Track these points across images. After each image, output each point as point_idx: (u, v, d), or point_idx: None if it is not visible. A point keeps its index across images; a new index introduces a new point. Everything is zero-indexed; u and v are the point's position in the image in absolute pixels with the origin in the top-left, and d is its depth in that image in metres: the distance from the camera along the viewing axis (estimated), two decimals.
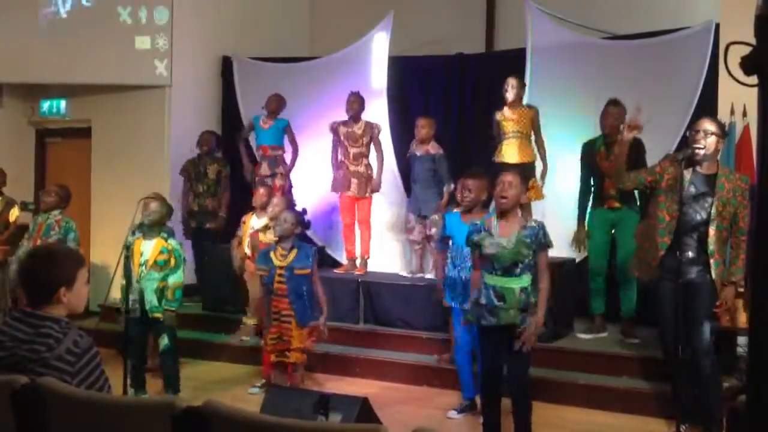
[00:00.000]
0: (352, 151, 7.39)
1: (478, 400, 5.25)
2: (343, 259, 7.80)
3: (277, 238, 5.45)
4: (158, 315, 5.58)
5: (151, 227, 5.65)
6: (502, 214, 4.44)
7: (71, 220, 6.87)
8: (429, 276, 7.08)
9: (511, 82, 6.73)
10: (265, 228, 6.34)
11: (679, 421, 4.53)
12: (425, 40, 8.57)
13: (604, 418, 5.37)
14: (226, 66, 8.98)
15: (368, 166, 7.43)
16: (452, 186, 6.78)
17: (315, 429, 2.47)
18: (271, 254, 5.36)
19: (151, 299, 5.55)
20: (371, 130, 7.41)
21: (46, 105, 9.13)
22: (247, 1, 9.15)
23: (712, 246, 4.54)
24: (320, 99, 8.23)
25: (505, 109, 6.76)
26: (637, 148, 6.14)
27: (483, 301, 4.38)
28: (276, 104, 7.81)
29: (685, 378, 4.58)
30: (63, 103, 9.06)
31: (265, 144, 7.81)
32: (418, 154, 7.16)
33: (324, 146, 7.74)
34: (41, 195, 7.02)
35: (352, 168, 7.39)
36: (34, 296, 2.73)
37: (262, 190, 6.88)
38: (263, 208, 6.59)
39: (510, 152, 6.72)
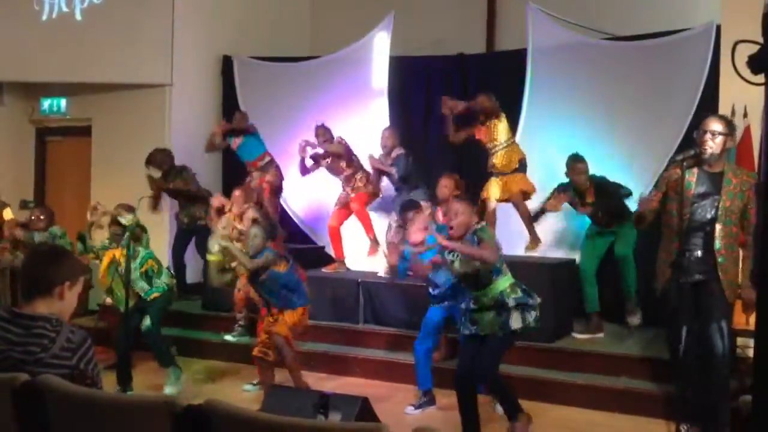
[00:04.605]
0: (341, 177, 7.49)
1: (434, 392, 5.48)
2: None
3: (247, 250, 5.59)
4: (156, 295, 5.85)
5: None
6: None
7: (56, 233, 6.97)
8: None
9: (480, 103, 6.66)
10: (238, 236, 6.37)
11: (679, 422, 4.52)
12: (426, 40, 8.57)
13: (602, 419, 5.37)
14: (227, 65, 8.99)
15: (363, 177, 7.45)
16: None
17: (315, 428, 2.46)
18: None
19: (141, 286, 5.79)
20: (340, 146, 7.39)
21: (46, 103, 9.14)
22: (248, 1, 9.15)
23: (718, 242, 4.47)
24: (320, 98, 8.23)
25: (479, 127, 6.77)
26: (601, 190, 6.20)
27: (463, 306, 4.63)
28: (243, 123, 7.86)
29: (691, 379, 4.52)
30: (63, 102, 9.08)
31: (248, 160, 7.85)
32: (390, 163, 7.25)
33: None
34: (32, 223, 6.99)
35: (348, 188, 7.48)
36: (34, 287, 2.67)
37: (237, 192, 6.96)
38: (239, 211, 6.79)
39: (495, 189, 6.76)
